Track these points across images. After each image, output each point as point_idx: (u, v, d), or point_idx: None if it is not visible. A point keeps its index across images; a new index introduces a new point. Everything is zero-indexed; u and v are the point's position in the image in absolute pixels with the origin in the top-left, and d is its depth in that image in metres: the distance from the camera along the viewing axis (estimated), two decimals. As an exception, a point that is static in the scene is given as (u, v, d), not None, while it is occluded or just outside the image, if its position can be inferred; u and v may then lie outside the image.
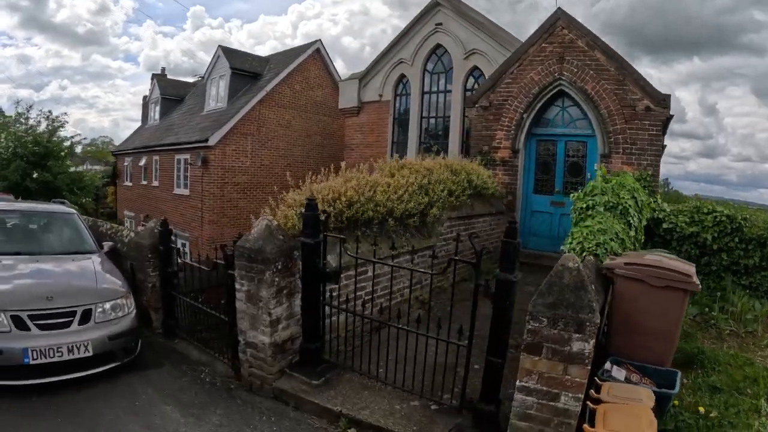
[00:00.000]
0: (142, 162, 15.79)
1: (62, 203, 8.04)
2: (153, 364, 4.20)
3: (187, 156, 13.36)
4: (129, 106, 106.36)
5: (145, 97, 22.62)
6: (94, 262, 4.69)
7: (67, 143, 17.28)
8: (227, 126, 12.57)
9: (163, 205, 14.58)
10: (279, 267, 3.53)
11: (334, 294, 3.77)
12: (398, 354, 3.44)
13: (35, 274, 4.25)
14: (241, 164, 12.98)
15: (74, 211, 6.06)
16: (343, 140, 12.02)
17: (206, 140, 12.22)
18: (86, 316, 3.73)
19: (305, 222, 3.57)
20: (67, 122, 18.43)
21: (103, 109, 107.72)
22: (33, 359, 3.38)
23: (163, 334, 4.88)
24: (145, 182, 15.80)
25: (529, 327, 2.59)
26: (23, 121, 17.12)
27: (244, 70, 14.32)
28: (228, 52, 14.49)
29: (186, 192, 13.32)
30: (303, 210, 3.67)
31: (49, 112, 17.46)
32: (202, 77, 15.79)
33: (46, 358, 3.43)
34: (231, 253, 3.76)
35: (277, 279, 3.52)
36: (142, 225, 7.32)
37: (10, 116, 17.42)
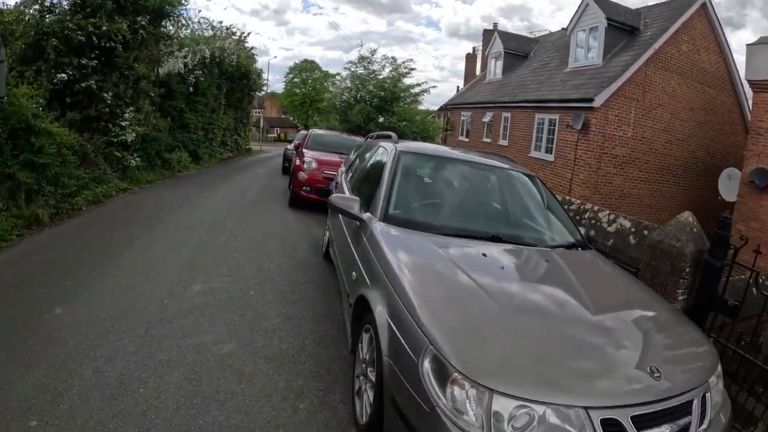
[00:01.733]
0: (487, 118, 16.34)
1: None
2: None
3: (554, 116, 13.06)
4: (431, 68, 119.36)
5: (468, 55, 23.66)
6: (619, 271, 3.09)
7: (415, 90, 17.95)
8: (613, 86, 11.63)
9: (513, 166, 14.79)
10: None
11: None
12: None
13: (577, 295, 2.42)
14: (622, 134, 12.05)
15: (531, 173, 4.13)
16: (733, 121, 9.71)
17: (591, 100, 11.56)
18: (703, 411, 1.98)
19: None
20: (414, 69, 19.29)
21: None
22: None
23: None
24: (488, 139, 16.39)
25: None
26: (366, 65, 18.28)
27: (620, 23, 13.01)
28: (600, 1, 13.25)
29: (549, 157, 13.14)
30: None
31: (393, 58, 18.61)
32: (565, 28, 15.04)
33: None
34: None
35: None
36: None
37: (346, 70, 18.77)
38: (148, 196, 8.93)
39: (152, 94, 11.07)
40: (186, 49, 13.90)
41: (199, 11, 31.35)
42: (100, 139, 9.16)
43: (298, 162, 8.63)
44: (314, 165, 8.34)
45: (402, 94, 17.37)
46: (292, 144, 14.49)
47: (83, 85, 8.63)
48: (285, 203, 9.14)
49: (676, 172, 13.11)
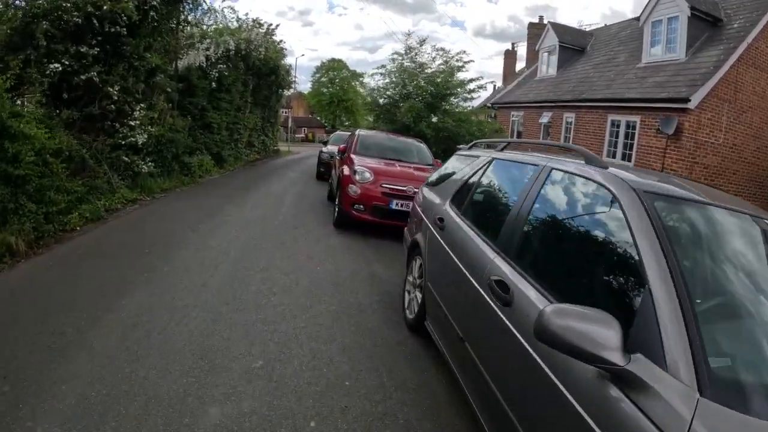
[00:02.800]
0: (544, 119, 14.37)
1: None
2: None
3: (633, 118, 11.14)
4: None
5: (507, 51, 21.99)
6: None
7: (470, 86, 15.57)
8: (708, 84, 9.64)
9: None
10: None
11: None
12: None
13: None
14: (714, 140, 10.08)
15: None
16: None
17: (686, 100, 9.60)
18: None
19: None
20: (472, 61, 16.87)
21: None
22: None
23: None
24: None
25: None
26: (413, 57, 16.02)
27: (704, 13, 10.96)
28: (680, -13, 11.23)
29: (628, 165, 11.14)
30: None
31: (442, 49, 16.34)
32: (638, 18, 12.97)
33: None
34: None
35: None
36: None
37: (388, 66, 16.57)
38: (160, 210, 7.27)
39: (169, 90, 9.46)
40: (208, 40, 12.30)
41: (223, 0, 29.47)
42: (104, 142, 7.57)
43: (346, 171, 6.77)
44: (369, 176, 6.50)
45: (456, 90, 15.15)
46: (329, 146, 12.67)
47: (83, 77, 6.99)
48: (328, 221, 7.34)
49: (762, 183, 11.25)
